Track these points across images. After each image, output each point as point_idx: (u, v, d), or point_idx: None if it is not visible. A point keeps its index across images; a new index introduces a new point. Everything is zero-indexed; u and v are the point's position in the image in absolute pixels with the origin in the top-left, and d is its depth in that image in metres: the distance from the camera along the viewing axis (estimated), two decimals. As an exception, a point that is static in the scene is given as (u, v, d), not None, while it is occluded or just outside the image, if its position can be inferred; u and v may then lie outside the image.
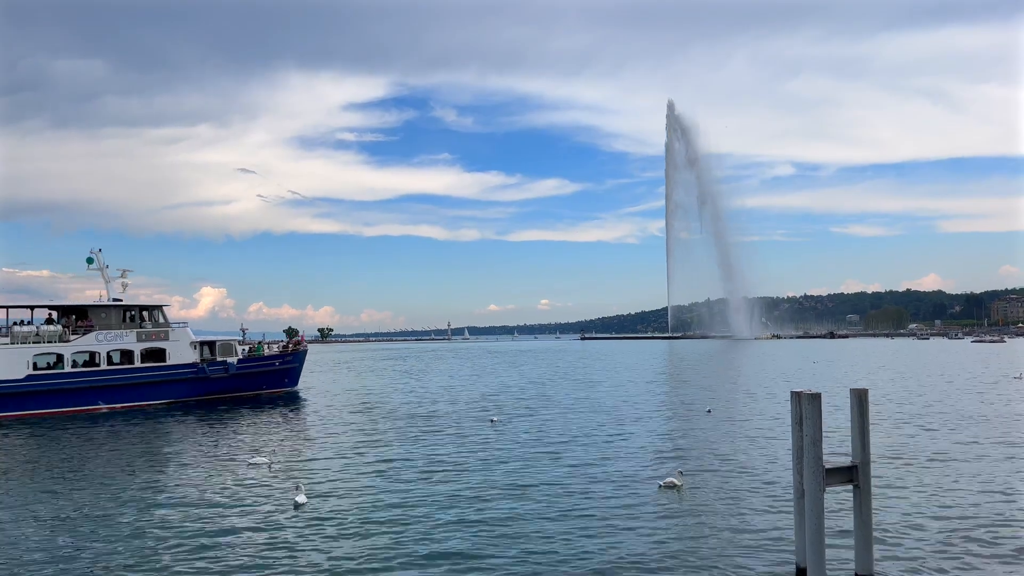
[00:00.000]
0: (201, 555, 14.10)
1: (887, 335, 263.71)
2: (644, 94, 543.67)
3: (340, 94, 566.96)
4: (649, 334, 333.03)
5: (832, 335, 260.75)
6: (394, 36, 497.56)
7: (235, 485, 20.33)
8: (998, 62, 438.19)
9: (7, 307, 44.17)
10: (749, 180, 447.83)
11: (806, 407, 11.37)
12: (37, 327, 42.47)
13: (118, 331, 43.96)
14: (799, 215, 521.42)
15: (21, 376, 40.14)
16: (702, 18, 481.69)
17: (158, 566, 13.51)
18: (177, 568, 13.41)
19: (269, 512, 17.22)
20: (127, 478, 21.79)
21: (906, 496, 17.64)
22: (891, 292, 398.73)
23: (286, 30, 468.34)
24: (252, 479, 21.11)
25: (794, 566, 12.34)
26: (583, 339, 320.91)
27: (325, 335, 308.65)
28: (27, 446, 29.46)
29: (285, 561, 13.70)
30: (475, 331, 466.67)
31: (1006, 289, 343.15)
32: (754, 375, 63.57)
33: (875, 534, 12.53)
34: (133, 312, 45.72)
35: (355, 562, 13.59)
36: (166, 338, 45.54)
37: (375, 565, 13.43)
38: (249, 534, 15.49)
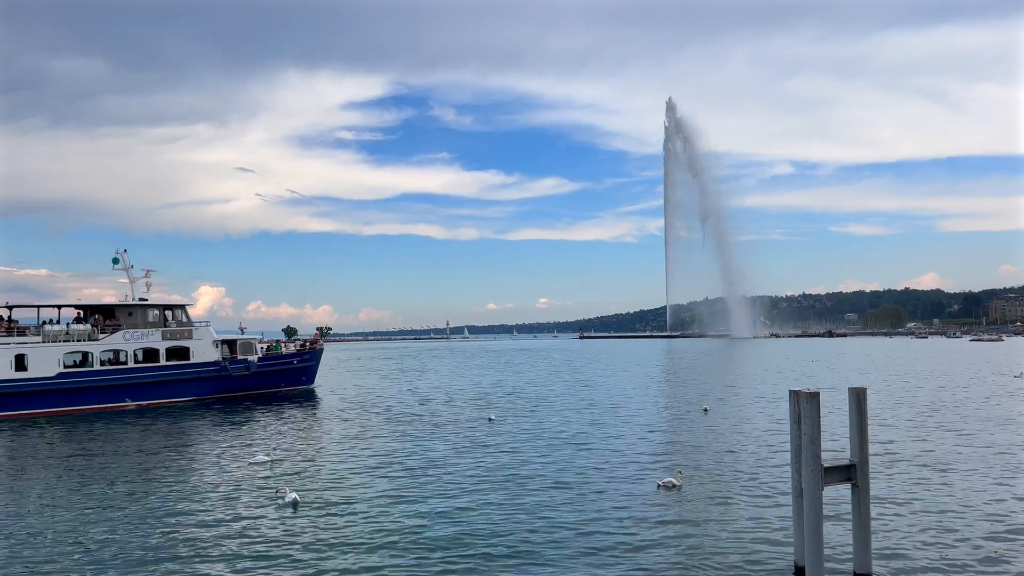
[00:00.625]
0: (181, 551, 14.11)
1: (885, 334, 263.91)
2: (643, 93, 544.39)
3: (339, 93, 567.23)
4: (648, 333, 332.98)
5: (831, 334, 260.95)
6: (393, 35, 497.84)
7: (232, 483, 20.31)
8: (997, 61, 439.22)
9: (38, 306, 45.29)
10: (748, 179, 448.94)
11: (804, 406, 11.36)
12: (67, 326, 43.35)
13: (144, 330, 44.97)
14: (798, 214, 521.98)
15: (52, 374, 41.00)
16: (701, 17, 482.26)
17: (130, 561, 13.53)
18: (148, 563, 13.40)
19: (255, 510, 17.19)
20: (131, 476, 21.83)
21: (905, 495, 17.63)
22: (890, 291, 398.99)
23: (285, 29, 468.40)
24: (250, 478, 21.09)
25: (793, 565, 12.34)
26: (582, 338, 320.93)
27: (324, 334, 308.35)
28: (57, 443, 29.75)
29: (266, 559, 13.67)
30: (474, 330, 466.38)
31: (1004, 288, 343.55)
32: (753, 374, 63.59)
33: (873, 533, 12.53)
34: (158, 311, 46.65)
35: (344, 561, 13.56)
36: (190, 337, 46.49)
37: (367, 564, 13.40)
38: (230, 532, 15.47)
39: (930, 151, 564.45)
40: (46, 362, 40.88)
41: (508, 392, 48.47)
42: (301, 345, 56.60)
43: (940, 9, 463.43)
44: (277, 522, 16.27)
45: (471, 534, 15.10)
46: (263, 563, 13.54)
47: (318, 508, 17.45)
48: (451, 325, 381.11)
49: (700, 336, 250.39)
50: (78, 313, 45.66)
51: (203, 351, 46.88)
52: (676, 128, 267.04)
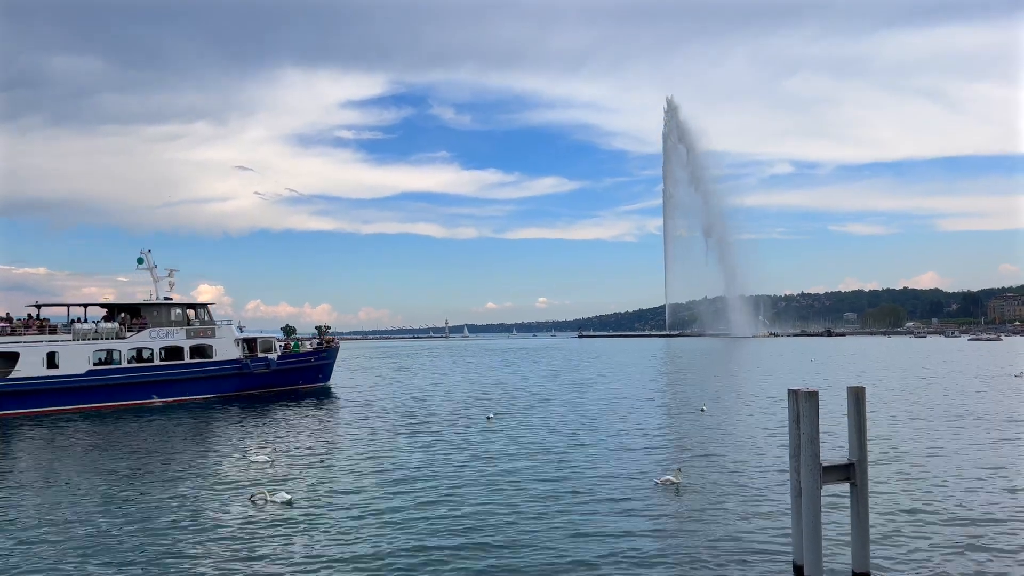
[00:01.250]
0: (170, 548, 14.13)
1: (884, 333, 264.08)
2: (642, 92, 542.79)
3: (338, 91, 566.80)
4: (647, 332, 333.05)
5: (829, 333, 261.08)
6: (392, 34, 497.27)
7: (229, 482, 20.32)
8: (996, 61, 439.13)
9: (68, 304, 46.24)
10: (747, 179, 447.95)
11: (803, 405, 11.37)
12: (95, 324, 44.13)
13: (169, 328, 45.82)
14: (797, 213, 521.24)
15: (83, 371, 41.76)
16: (700, 16, 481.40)
17: (113, 560, 13.56)
18: (136, 563, 13.42)
19: (243, 510, 17.19)
20: (135, 473, 21.86)
21: (903, 494, 17.66)
22: (888, 290, 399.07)
23: (284, 27, 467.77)
24: (249, 476, 21.10)
25: (791, 564, 12.35)
26: (581, 337, 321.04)
27: (323, 333, 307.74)
28: (86, 438, 30.03)
29: (251, 557, 13.70)
30: (473, 329, 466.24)
31: (1003, 288, 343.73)
32: (751, 373, 63.65)
33: (872, 532, 12.54)
34: (181, 310, 47.48)
35: (332, 560, 13.58)
36: (212, 335, 47.49)
37: (360, 562, 13.42)
38: (215, 531, 15.49)
39: (929, 151, 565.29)
40: (77, 360, 41.69)
41: (506, 391, 48.51)
42: (319, 343, 58.03)
43: (939, 9, 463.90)
44: (268, 521, 16.27)
45: (469, 533, 15.10)
46: (257, 561, 13.57)
47: (309, 507, 17.46)
48: (450, 324, 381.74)
49: (699, 335, 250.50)
50: (107, 312, 46.59)
51: (225, 349, 47.91)
52: (679, 137, 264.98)
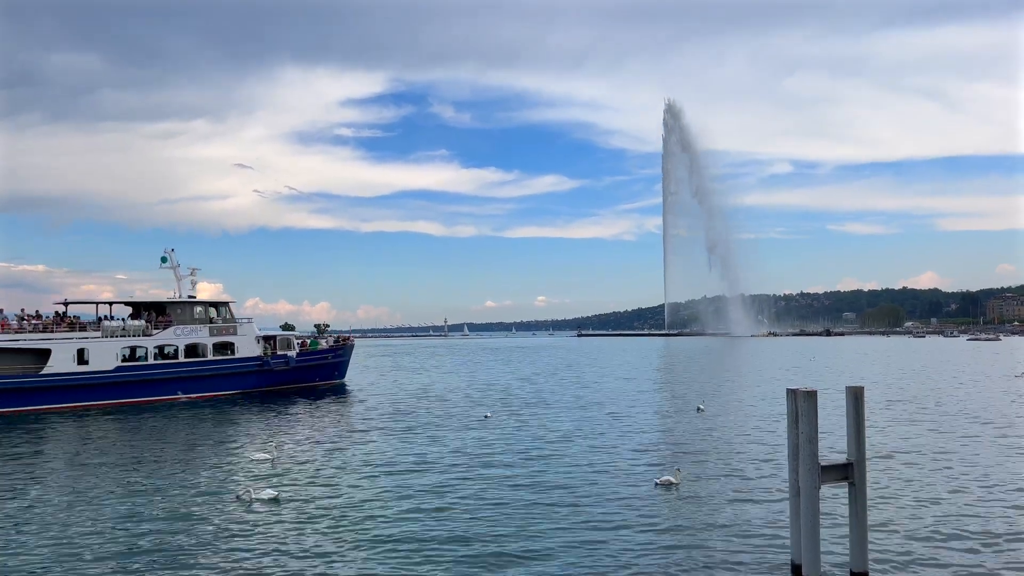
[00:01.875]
0: (159, 546, 14.14)
1: (883, 333, 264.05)
2: (642, 91, 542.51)
3: (337, 90, 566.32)
4: (646, 331, 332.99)
5: (828, 333, 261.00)
6: (392, 32, 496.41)
7: (225, 480, 20.33)
8: (996, 61, 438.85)
9: (96, 303, 47.10)
10: (747, 178, 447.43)
11: (802, 404, 11.38)
12: (123, 321, 45.14)
13: (193, 326, 46.65)
14: (796, 213, 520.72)
15: (111, 368, 42.57)
16: (699, 15, 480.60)
17: (103, 558, 13.57)
18: (119, 560, 13.45)
19: (235, 508, 17.21)
20: (140, 470, 21.90)
21: (901, 494, 17.69)
22: (888, 290, 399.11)
23: (283, 25, 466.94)
24: (247, 475, 21.10)
25: (789, 563, 12.36)
26: (579, 336, 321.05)
27: (322, 331, 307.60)
28: (112, 432, 30.98)
29: (241, 555, 13.70)
30: (472, 328, 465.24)
31: (1002, 288, 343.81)
32: (750, 373, 63.68)
33: (870, 531, 12.55)
34: (203, 308, 48.32)
35: (329, 560, 13.58)
36: (234, 333, 48.47)
37: (356, 564, 13.42)
38: (204, 528, 15.53)
39: (929, 150, 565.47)
40: (106, 356, 42.48)
41: (504, 390, 48.54)
42: (335, 341, 59.23)
43: (939, 8, 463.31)
44: (262, 519, 16.27)
45: (466, 532, 15.10)
46: (249, 558, 13.57)
47: (303, 504, 17.47)
48: (449, 323, 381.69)
49: (698, 335, 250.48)
50: (132, 310, 47.50)
51: (246, 346, 48.78)
52: (684, 147, 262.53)
